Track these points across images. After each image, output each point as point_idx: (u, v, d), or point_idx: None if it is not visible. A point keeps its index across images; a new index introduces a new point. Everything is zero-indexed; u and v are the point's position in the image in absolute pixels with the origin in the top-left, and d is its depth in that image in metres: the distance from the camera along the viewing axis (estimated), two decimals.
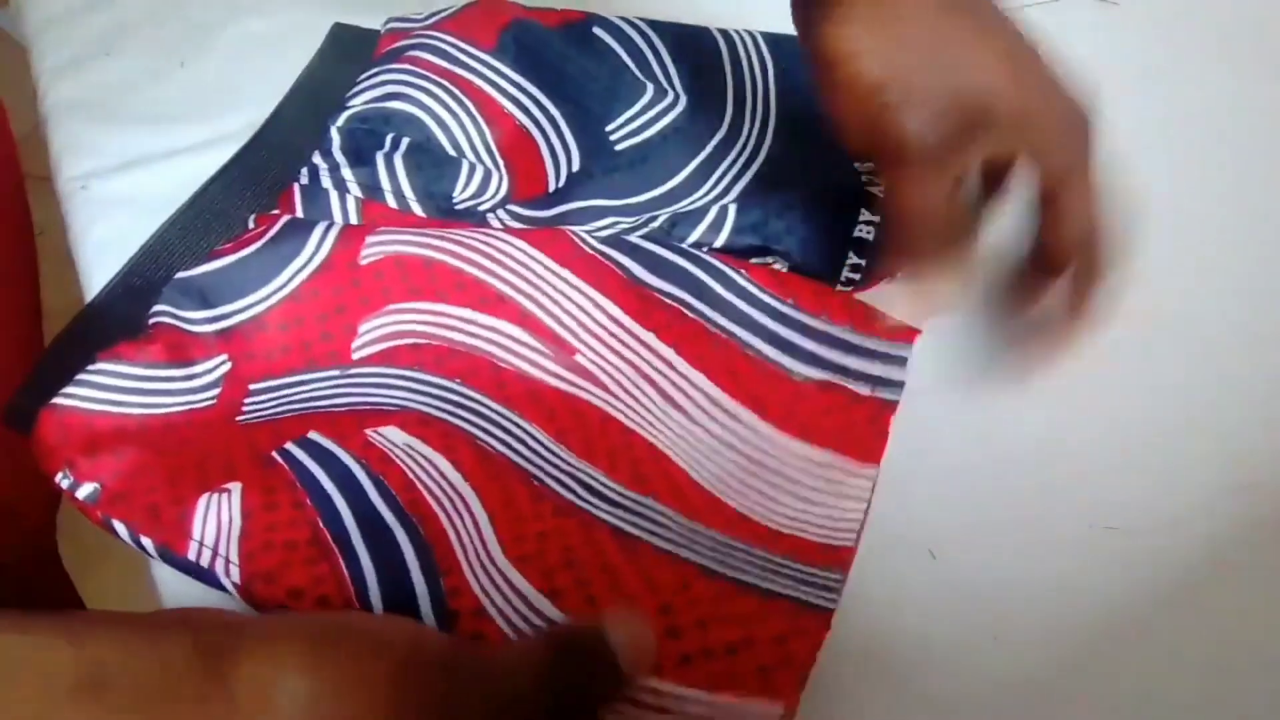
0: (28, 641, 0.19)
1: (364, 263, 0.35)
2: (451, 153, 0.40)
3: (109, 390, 0.31)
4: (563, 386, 0.33)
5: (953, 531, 0.32)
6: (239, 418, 0.32)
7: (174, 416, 0.32)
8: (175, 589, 0.31)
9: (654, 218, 0.38)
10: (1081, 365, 0.36)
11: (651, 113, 0.42)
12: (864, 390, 0.33)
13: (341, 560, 0.28)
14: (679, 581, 0.28)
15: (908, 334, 0.34)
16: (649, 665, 0.25)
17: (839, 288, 0.36)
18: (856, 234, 0.37)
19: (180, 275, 0.34)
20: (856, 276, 0.37)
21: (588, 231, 0.37)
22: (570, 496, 0.30)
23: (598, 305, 0.35)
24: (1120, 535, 0.32)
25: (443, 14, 0.44)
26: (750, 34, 0.45)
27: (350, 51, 0.46)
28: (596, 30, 0.44)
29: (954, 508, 0.32)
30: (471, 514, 0.29)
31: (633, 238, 0.36)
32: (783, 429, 0.33)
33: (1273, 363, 0.36)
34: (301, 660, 0.20)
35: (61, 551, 0.62)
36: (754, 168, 0.41)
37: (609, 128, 0.41)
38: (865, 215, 0.38)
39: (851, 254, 0.37)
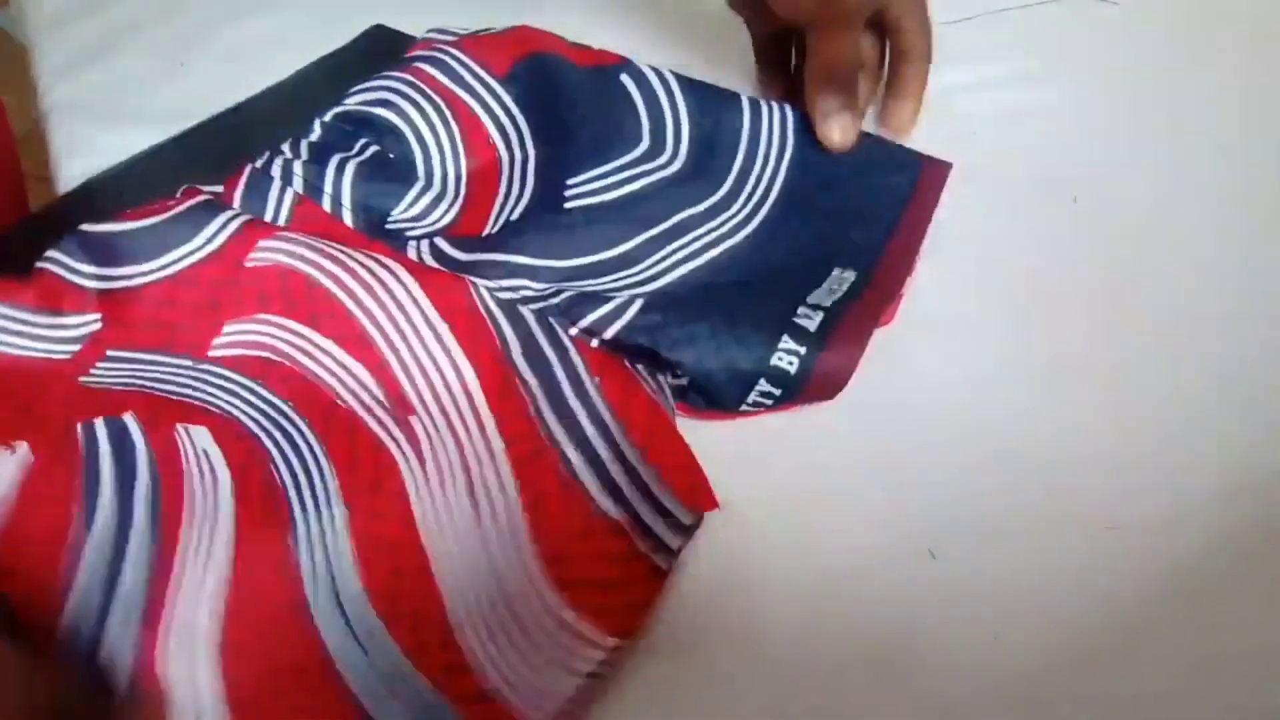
0: None
1: (249, 265, 0.35)
2: (421, 170, 0.40)
3: None
4: (385, 440, 0.32)
5: (953, 531, 0.32)
6: (82, 378, 0.34)
7: (25, 360, 0.34)
8: None
9: (559, 292, 0.36)
10: (1082, 365, 0.36)
11: (624, 175, 0.41)
12: (643, 547, 0.30)
13: (65, 577, 0.28)
14: None
15: (706, 501, 0.31)
16: None
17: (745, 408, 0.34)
18: (775, 362, 0.33)
19: (83, 228, 0.36)
20: (769, 403, 0.34)
21: (489, 289, 0.36)
22: (311, 589, 0.29)
23: (458, 372, 0.34)
24: (1120, 535, 0.32)
25: (479, 32, 0.44)
26: (782, 110, 0.43)
27: (377, 51, 0.46)
28: (623, 76, 0.43)
29: (954, 508, 0.32)
30: (208, 565, 0.29)
31: (526, 310, 0.35)
32: (555, 581, 0.30)
33: (1273, 363, 0.36)
34: None
35: None
36: (694, 263, 0.38)
37: (571, 182, 0.41)
38: (789, 343, 0.34)
39: (764, 381, 0.33)
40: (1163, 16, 0.49)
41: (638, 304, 0.35)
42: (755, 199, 0.41)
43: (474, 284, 0.35)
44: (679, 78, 0.44)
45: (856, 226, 0.39)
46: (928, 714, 0.28)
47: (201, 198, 0.37)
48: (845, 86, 0.41)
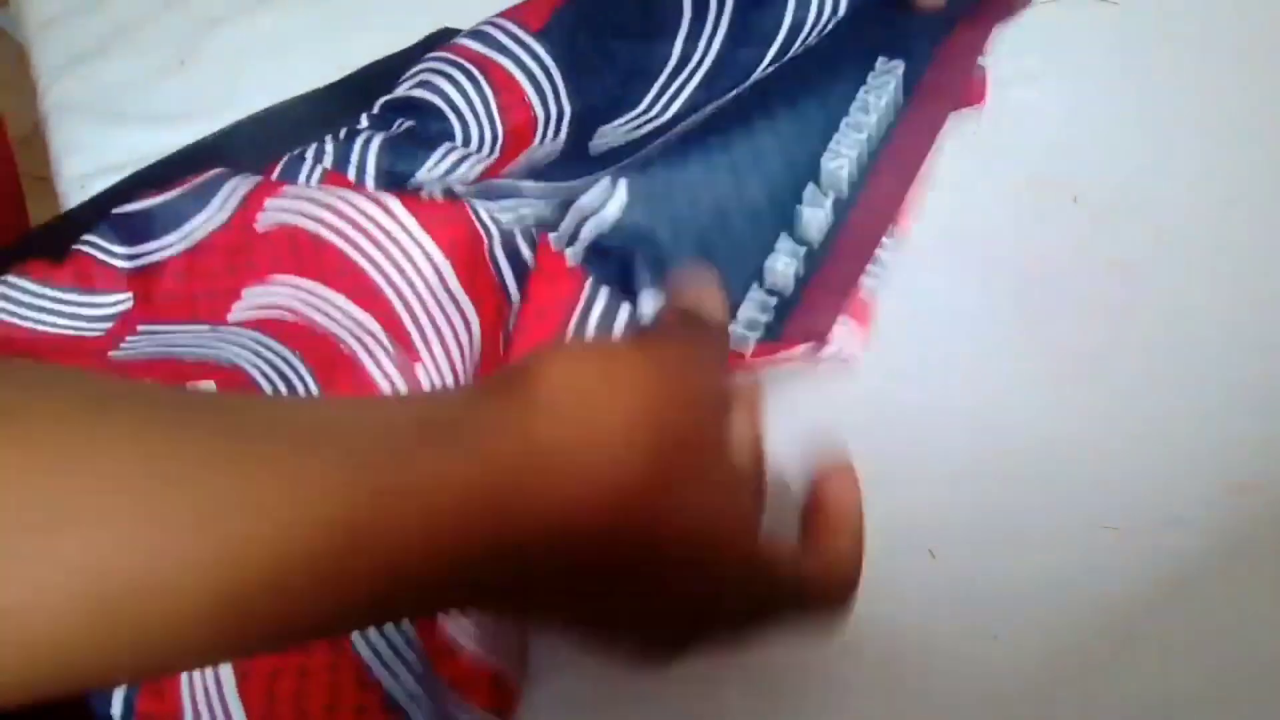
0: (375, 406, 0.22)
1: (259, 228, 0.36)
2: (460, 140, 0.40)
3: (7, 302, 0.35)
4: (386, 388, 0.33)
5: (953, 531, 0.32)
6: (112, 352, 0.35)
7: (62, 338, 0.35)
8: None
9: (555, 204, 0.36)
10: (1082, 365, 0.36)
11: (642, 119, 0.41)
12: None
13: None
14: (358, 695, 0.28)
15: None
16: (724, 310, 0.27)
17: (746, 333, 0.32)
18: (766, 265, 0.32)
19: (116, 210, 0.37)
20: (762, 318, 0.32)
21: (486, 209, 0.36)
22: None
23: (462, 314, 0.34)
24: (1120, 535, 0.32)
25: None
26: None
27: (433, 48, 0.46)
28: None
29: (954, 508, 0.32)
30: None
31: (518, 230, 0.35)
32: None
33: (1272, 362, 0.36)
34: (583, 354, 0.22)
35: None
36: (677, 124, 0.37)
37: (598, 131, 0.41)
38: (786, 242, 0.32)
39: (757, 286, 0.32)
40: (1163, 16, 0.49)
41: (622, 186, 0.33)
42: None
43: (471, 206, 0.35)
44: None
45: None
46: (928, 714, 0.28)
47: (216, 171, 0.37)
48: None
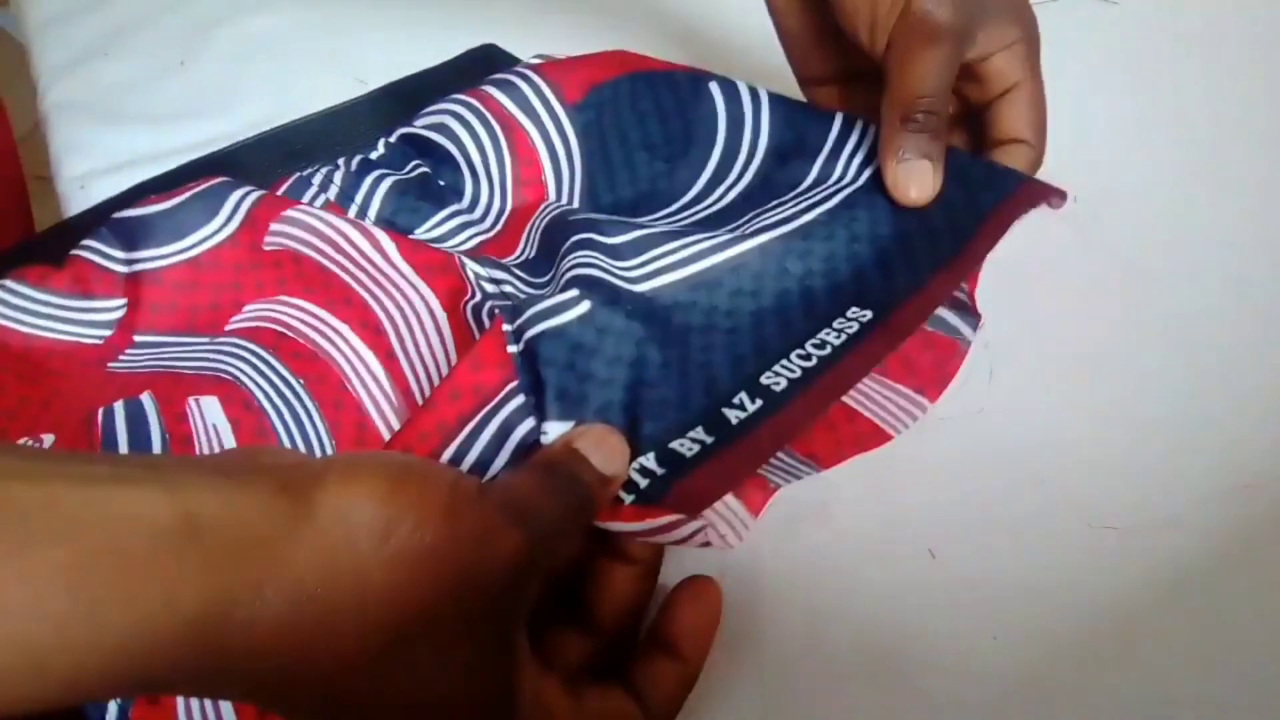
0: (125, 493, 0.19)
1: (266, 248, 0.36)
2: (467, 199, 0.39)
3: (5, 306, 0.35)
4: (382, 430, 0.33)
5: (953, 531, 0.32)
6: (111, 364, 0.35)
7: (57, 345, 0.35)
8: None
9: (541, 282, 0.34)
10: (1082, 365, 0.36)
11: (660, 227, 0.34)
12: None
13: None
14: None
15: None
16: (622, 468, 0.26)
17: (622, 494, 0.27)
18: (671, 445, 0.27)
19: (116, 215, 0.37)
20: (641, 481, 0.26)
21: (475, 269, 0.35)
22: None
23: (446, 350, 0.34)
24: (1120, 535, 0.32)
25: (577, 57, 0.40)
26: (864, 125, 0.36)
27: (475, 71, 0.45)
28: (712, 85, 0.38)
29: (954, 508, 0.32)
30: None
31: (497, 301, 0.33)
32: None
33: (1272, 362, 0.36)
34: (374, 494, 0.22)
35: None
36: (676, 274, 0.32)
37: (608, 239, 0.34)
38: (696, 433, 0.28)
39: (651, 455, 0.27)
40: (1163, 16, 0.49)
41: (587, 304, 0.30)
42: (806, 203, 0.34)
43: (462, 262, 0.34)
44: (770, 93, 0.38)
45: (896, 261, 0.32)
46: (928, 714, 0.28)
47: (216, 180, 0.37)
48: (927, 126, 0.32)
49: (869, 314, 0.30)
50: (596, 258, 0.32)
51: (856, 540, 0.32)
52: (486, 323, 0.32)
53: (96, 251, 0.36)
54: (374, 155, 0.40)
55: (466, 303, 0.34)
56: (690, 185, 0.38)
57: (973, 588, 0.31)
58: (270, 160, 0.42)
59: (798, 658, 0.29)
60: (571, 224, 0.34)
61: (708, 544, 0.26)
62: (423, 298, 0.35)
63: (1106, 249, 0.40)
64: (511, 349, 0.29)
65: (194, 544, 0.19)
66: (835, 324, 0.30)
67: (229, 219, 0.36)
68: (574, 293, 0.30)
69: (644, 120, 0.39)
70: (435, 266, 0.35)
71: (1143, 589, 0.30)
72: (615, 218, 0.35)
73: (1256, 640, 0.30)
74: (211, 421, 0.32)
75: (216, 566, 0.19)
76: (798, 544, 0.31)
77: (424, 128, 0.40)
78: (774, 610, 0.30)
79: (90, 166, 0.43)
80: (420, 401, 0.33)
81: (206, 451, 0.32)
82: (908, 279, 0.31)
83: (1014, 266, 0.39)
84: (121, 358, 0.35)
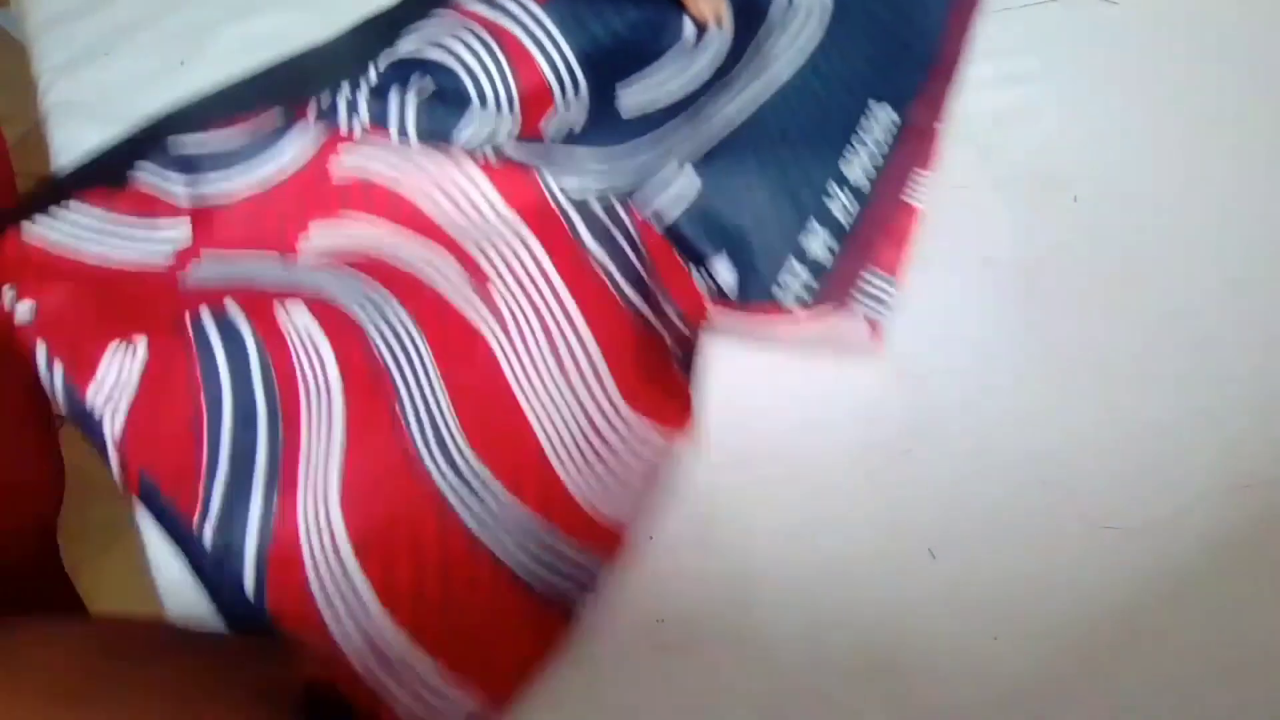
0: None
1: (335, 181, 0.38)
2: (475, 99, 0.42)
3: (75, 226, 0.36)
4: (468, 312, 0.35)
5: (953, 531, 0.32)
6: (181, 273, 0.36)
7: (125, 268, 0.35)
8: (171, 576, 0.31)
9: (624, 178, 0.39)
10: (1082, 365, 0.36)
11: (671, 84, 0.42)
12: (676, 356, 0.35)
13: (205, 453, 0.31)
14: (469, 567, 0.31)
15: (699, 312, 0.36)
16: None
17: (780, 295, 0.36)
18: (803, 243, 0.37)
19: (170, 141, 0.38)
20: (798, 286, 0.36)
21: (560, 187, 0.38)
22: (421, 445, 0.32)
23: (531, 252, 0.37)
24: (1119, 535, 0.32)
25: None
26: None
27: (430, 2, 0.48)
28: None
29: (954, 508, 0.32)
30: (329, 429, 0.32)
31: (591, 198, 0.37)
32: (633, 404, 0.34)
33: (1272, 362, 0.36)
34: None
35: (62, 548, 0.62)
36: (733, 109, 0.40)
37: (620, 86, 0.42)
38: (813, 225, 0.38)
39: (794, 260, 0.37)
40: (1163, 16, 0.49)
41: (697, 187, 0.37)
42: (802, 32, 0.42)
43: (540, 173, 0.38)
44: None
45: (895, 60, 0.42)
46: (928, 714, 0.28)
47: (279, 111, 0.39)
48: None
49: (887, 105, 0.40)
50: (674, 127, 0.39)
51: (856, 540, 0.32)
52: (599, 212, 0.37)
53: (155, 174, 0.37)
54: (371, 81, 0.42)
55: (557, 204, 0.37)
56: (677, 25, 0.43)
57: (973, 588, 0.31)
58: (269, 93, 0.43)
59: (798, 658, 0.29)
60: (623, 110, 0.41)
61: (873, 327, 0.35)
62: (494, 207, 0.37)
63: (1106, 249, 0.40)
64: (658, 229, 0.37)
65: None
66: (863, 120, 0.40)
67: (299, 152, 0.38)
68: (672, 164, 0.37)
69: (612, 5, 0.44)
70: (512, 183, 0.37)
71: (1143, 589, 0.30)
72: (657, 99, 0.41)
73: (1256, 639, 0.30)
74: (304, 327, 0.34)
75: None
76: (798, 545, 0.32)
77: (414, 48, 0.43)
78: (774, 610, 0.30)
79: None
80: (494, 279, 0.36)
81: (304, 357, 0.33)
82: (906, 76, 0.41)
83: (1014, 266, 0.39)
84: (189, 272, 0.36)
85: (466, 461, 0.32)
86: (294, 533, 0.30)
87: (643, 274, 0.36)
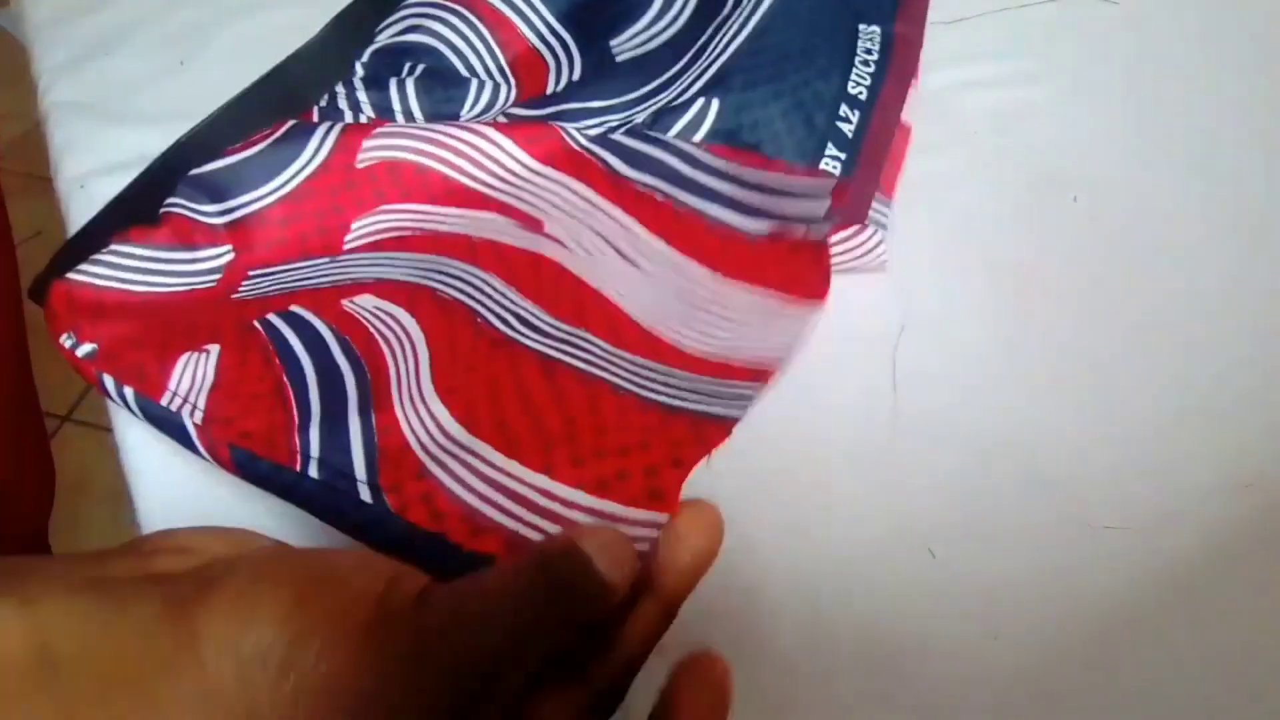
0: None
1: (360, 166, 0.38)
2: (465, 75, 0.43)
3: (117, 269, 0.35)
4: (526, 245, 0.36)
5: (953, 531, 0.32)
6: (234, 295, 0.36)
7: (175, 295, 0.35)
8: None
9: (639, 112, 0.40)
10: (1082, 365, 0.36)
11: (656, 26, 0.44)
12: (799, 232, 0.36)
13: (295, 408, 0.31)
14: (587, 397, 0.30)
15: (824, 175, 0.37)
16: (629, 575, 0.23)
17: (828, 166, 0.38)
18: (837, 124, 0.38)
19: (194, 173, 0.38)
20: (836, 170, 0.37)
21: (576, 129, 0.39)
22: (505, 329, 0.33)
23: (573, 190, 0.37)
24: (1119, 534, 0.32)
25: None
26: None
27: None
28: None
29: (953, 508, 0.32)
30: (415, 352, 0.32)
31: (617, 135, 0.38)
32: (729, 277, 0.35)
33: (1272, 361, 0.36)
34: (274, 614, 0.18)
35: (60, 549, 0.62)
36: (736, 43, 0.41)
37: (613, 43, 0.43)
38: (844, 111, 0.39)
39: (831, 145, 0.38)
40: (1163, 16, 0.49)
41: (715, 105, 0.38)
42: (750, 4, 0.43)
43: (562, 127, 0.38)
44: None
45: None
46: (927, 714, 0.28)
47: (293, 122, 0.39)
48: None
49: (876, 29, 0.41)
50: (680, 87, 0.40)
51: (856, 540, 0.32)
52: (625, 138, 0.38)
53: (185, 207, 0.37)
54: (360, 74, 0.42)
55: (584, 147, 0.38)
56: None
57: (973, 588, 0.31)
58: (264, 110, 0.43)
59: (798, 658, 0.29)
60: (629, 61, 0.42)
61: (879, 244, 0.36)
62: (520, 162, 0.38)
63: (1106, 249, 0.40)
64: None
65: (49, 685, 0.17)
66: (859, 42, 0.41)
67: (318, 149, 0.38)
68: (694, 107, 0.38)
69: None
70: (533, 136, 0.38)
71: (1143, 589, 0.30)
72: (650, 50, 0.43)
73: (1256, 640, 0.30)
74: (373, 306, 0.34)
75: (72, 713, 0.17)
76: (798, 544, 0.32)
77: (394, 36, 0.43)
78: (774, 610, 0.30)
79: (90, 166, 0.43)
80: (549, 222, 0.37)
81: (380, 325, 0.33)
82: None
83: (1014, 267, 0.39)
84: (241, 288, 0.36)
85: (559, 327, 0.33)
86: (399, 437, 0.29)
87: (697, 175, 0.37)
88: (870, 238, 0.36)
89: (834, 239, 0.36)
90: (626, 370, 0.31)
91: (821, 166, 0.37)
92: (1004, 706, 0.28)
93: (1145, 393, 0.35)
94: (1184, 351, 0.37)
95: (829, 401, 0.35)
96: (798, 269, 0.35)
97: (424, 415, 0.30)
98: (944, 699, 0.28)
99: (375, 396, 0.31)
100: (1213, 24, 0.49)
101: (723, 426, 0.29)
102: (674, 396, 0.30)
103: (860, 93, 0.39)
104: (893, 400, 0.35)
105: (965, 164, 0.42)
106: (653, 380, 0.31)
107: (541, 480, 0.28)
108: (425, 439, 0.30)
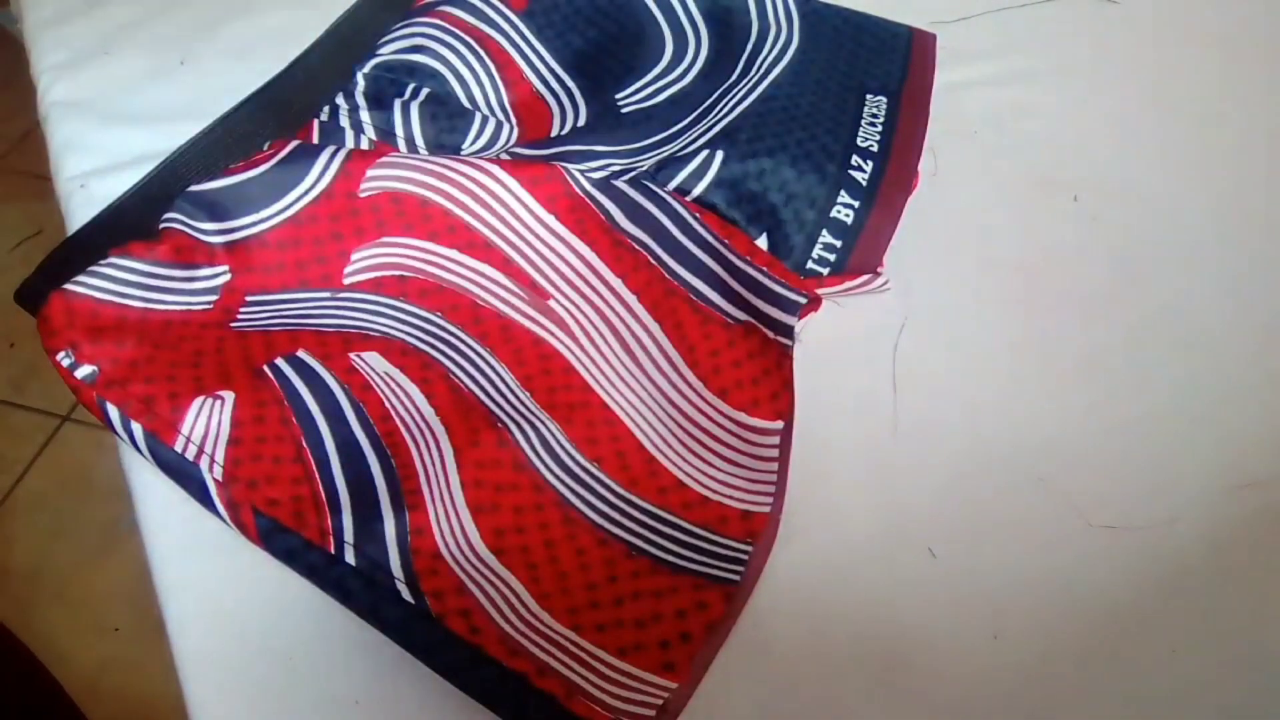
0: None
1: (363, 195, 0.37)
2: (468, 106, 0.42)
3: (116, 283, 0.34)
4: (534, 329, 0.36)
5: (953, 531, 0.32)
6: (233, 324, 0.35)
7: (172, 314, 0.35)
8: (171, 577, 0.31)
9: (644, 160, 0.39)
10: (1082, 365, 0.36)
11: (662, 82, 0.43)
12: (770, 334, 0.35)
13: (320, 485, 0.30)
14: (606, 562, 0.30)
15: (809, 284, 0.36)
16: None
17: (812, 268, 0.37)
18: (834, 214, 0.37)
19: (194, 189, 0.37)
20: (831, 257, 0.37)
21: (580, 170, 0.38)
22: (529, 452, 0.32)
23: (575, 252, 0.37)
24: (1118, 534, 0.32)
25: None
26: None
27: (392, 1, 0.48)
28: None
29: (954, 507, 0.32)
30: (439, 448, 0.32)
31: (619, 181, 0.37)
32: (708, 384, 0.35)
33: (1271, 361, 0.36)
34: None
35: (61, 549, 0.62)
36: (744, 106, 0.41)
37: (618, 96, 0.43)
38: (856, 161, 0.39)
39: (826, 232, 0.37)
40: (1163, 16, 0.49)
41: (718, 158, 0.38)
42: (780, 42, 0.44)
43: (566, 169, 0.38)
44: None
45: (875, 58, 0.44)
46: (928, 713, 0.28)
47: (296, 142, 0.38)
48: None
49: (883, 99, 0.42)
50: (687, 141, 0.39)
51: (856, 540, 0.32)
52: (629, 190, 0.37)
53: (184, 224, 0.36)
54: (361, 87, 0.42)
55: (588, 193, 0.37)
56: (659, 58, 0.45)
57: (973, 588, 0.31)
58: (264, 118, 0.43)
59: (798, 658, 0.29)
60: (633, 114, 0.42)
61: (886, 287, 0.37)
62: (525, 206, 0.37)
63: (1106, 248, 0.40)
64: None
65: None
66: (865, 109, 0.41)
67: (322, 174, 0.38)
68: (698, 159, 0.38)
69: (587, 20, 0.46)
70: (537, 178, 0.37)
71: (1143, 589, 0.30)
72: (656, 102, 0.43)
73: (1255, 638, 0.30)
74: (383, 370, 0.34)
75: None
76: (798, 545, 0.32)
77: (397, 53, 0.43)
78: (774, 611, 0.30)
79: (90, 166, 0.43)
80: (552, 292, 0.36)
81: (391, 395, 0.33)
82: (887, 69, 0.43)
83: (1014, 267, 0.39)
84: (241, 315, 0.35)
85: (576, 461, 0.32)
86: (431, 541, 0.30)
87: (687, 244, 0.36)
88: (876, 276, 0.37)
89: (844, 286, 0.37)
90: (638, 526, 0.31)
91: (816, 253, 0.37)
92: (1004, 705, 0.28)
93: (1145, 392, 0.35)
94: (1184, 351, 0.37)
95: (829, 401, 0.35)
96: (764, 376, 0.34)
97: (455, 527, 0.30)
98: (944, 698, 0.28)
99: (405, 490, 0.31)
100: (1212, 23, 0.49)
101: (720, 592, 0.30)
102: (680, 556, 0.31)
103: (870, 145, 0.39)
104: (893, 400, 0.35)
105: (965, 164, 0.42)
106: (661, 535, 0.31)
107: (571, 634, 0.29)
108: (457, 553, 0.30)
